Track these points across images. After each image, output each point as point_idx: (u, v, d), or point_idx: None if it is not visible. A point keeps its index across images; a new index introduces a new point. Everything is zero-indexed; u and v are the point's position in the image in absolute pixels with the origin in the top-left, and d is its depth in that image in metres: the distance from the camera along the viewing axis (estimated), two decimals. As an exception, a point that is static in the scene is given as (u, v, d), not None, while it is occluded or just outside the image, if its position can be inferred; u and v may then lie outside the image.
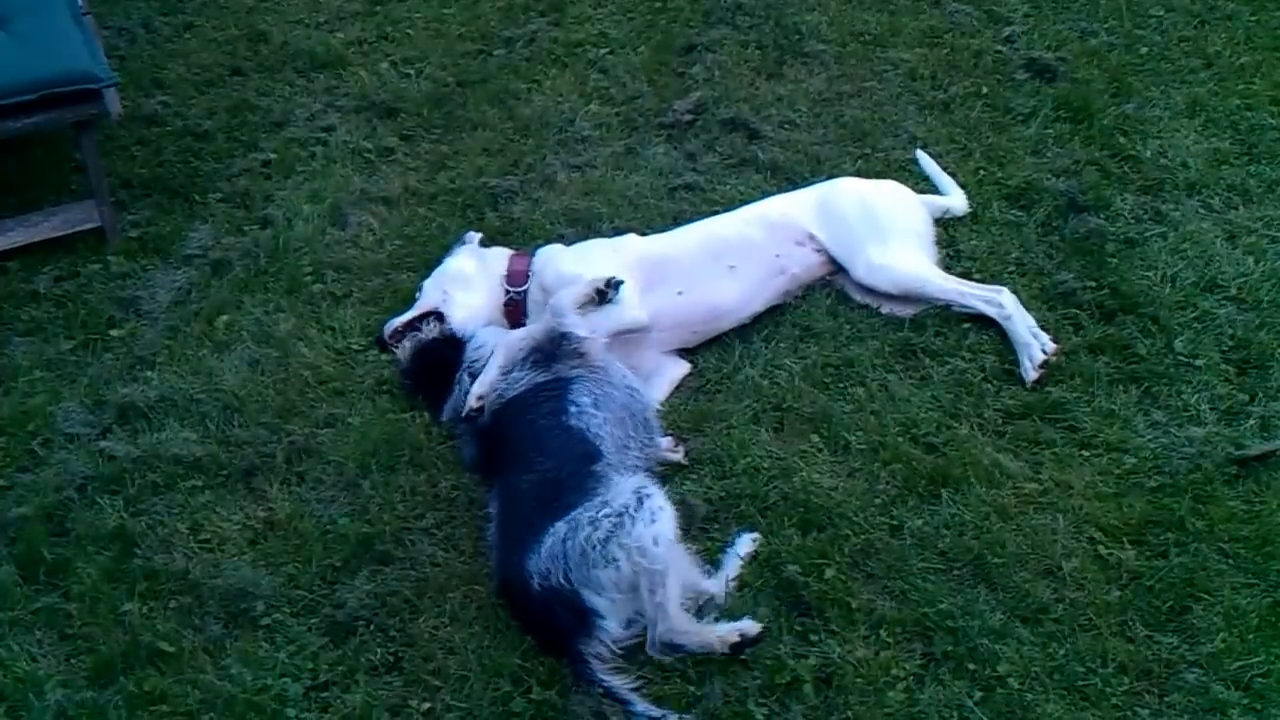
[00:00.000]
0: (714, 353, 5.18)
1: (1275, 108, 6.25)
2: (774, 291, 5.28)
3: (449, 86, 6.97)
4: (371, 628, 4.26)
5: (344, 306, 5.54)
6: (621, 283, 4.88)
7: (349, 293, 5.62)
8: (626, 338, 4.94)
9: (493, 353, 4.72)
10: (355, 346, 5.32)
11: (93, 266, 5.85)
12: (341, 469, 4.81)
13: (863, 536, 4.38)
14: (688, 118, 6.51)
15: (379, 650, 4.20)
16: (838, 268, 5.33)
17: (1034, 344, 4.94)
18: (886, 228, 5.27)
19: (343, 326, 5.41)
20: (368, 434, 4.91)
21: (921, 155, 5.95)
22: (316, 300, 5.59)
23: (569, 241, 5.46)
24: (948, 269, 5.33)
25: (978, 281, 5.24)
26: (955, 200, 5.68)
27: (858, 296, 5.31)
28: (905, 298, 5.21)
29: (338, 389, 5.14)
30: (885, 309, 5.24)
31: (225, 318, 5.53)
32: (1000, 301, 5.07)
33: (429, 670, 4.12)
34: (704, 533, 4.45)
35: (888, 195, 5.45)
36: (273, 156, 6.51)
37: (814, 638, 4.10)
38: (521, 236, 5.75)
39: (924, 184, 5.82)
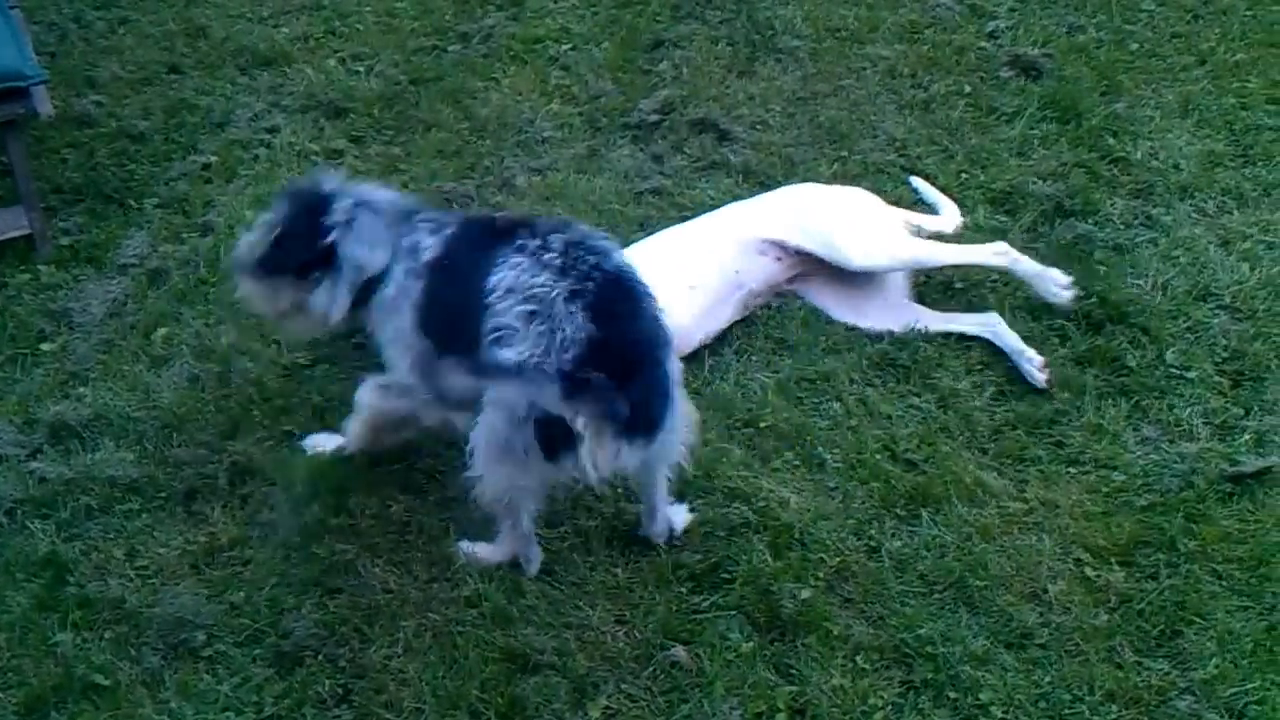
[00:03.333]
0: (684, 366, 5.21)
1: (1271, 107, 6.35)
2: (735, 308, 5.35)
3: (401, 85, 7.00)
4: (320, 658, 4.28)
5: (290, 319, 5.56)
6: None
7: (295, 304, 5.63)
8: None
9: None
10: (302, 361, 5.34)
11: (21, 276, 5.85)
12: (288, 491, 4.83)
13: (839, 559, 4.44)
14: (654, 118, 6.56)
15: (328, 682, 4.21)
16: (797, 276, 5.41)
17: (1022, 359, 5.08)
18: (851, 218, 5.38)
19: (288, 340, 5.43)
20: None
21: (916, 181, 5.99)
22: (260, 312, 5.62)
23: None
24: (929, 278, 5.42)
25: (959, 290, 5.34)
26: (947, 220, 5.72)
27: (835, 314, 5.37)
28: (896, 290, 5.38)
29: (283, 406, 5.16)
30: (865, 324, 5.30)
31: (163, 331, 5.55)
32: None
33: (381, 703, 4.14)
34: (675, 549, 4.52)
35: (850, 195, 5.57)
36: (213, 159, 6.53)
37: (789, 665, 4.15)
38: (478, 244, 5.80)
39: (898, 188, 5.92)
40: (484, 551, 4.53)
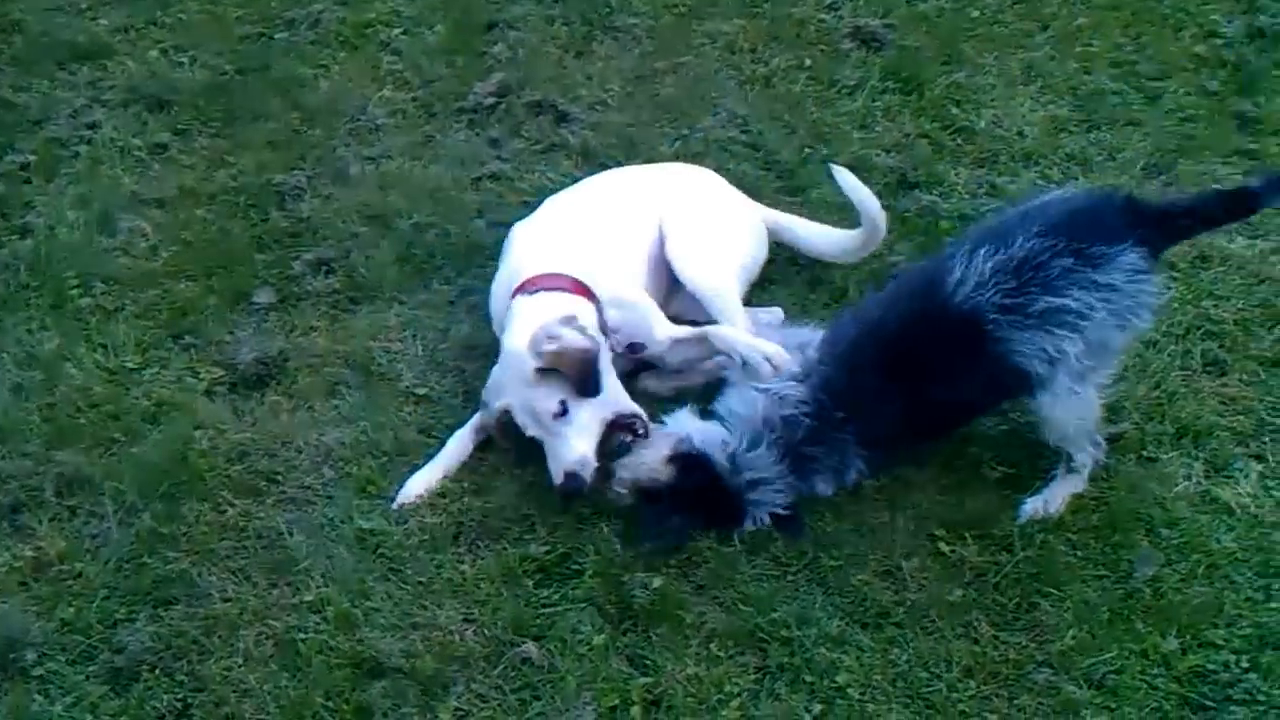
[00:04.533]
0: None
1: (1115, 70, 6.43)
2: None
3: (227, 74, 6.90)
4: (156, 673, 4.22)
5: (116, 321, 5.47)
6: None
7: (121, 306, 5.55)
8: None
9: None
10: (130, 365, 5.26)
11: None
12: (119, 500, 4.74)
13: (689, 544, 4.45)
14: (490, 101, 6.52)
15: (166, 697, 4.15)
16: None
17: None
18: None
19: (115, 344, 5.34)
20: (146, 461, 4.86)
21: (839, 172, 5.44)
22: (84, 315, 5.51)
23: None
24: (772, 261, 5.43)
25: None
26: (808, 232, 5.54)
27: None
28: None
29: (111, 412, 5.07)
30: None
31: (-18, 338, 5.44)
32: None
33: (222, 715, 4.10)
34: (520, 541, 4.52)
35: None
36: (31, 158, 6.39)
37: (643, 655, 4.16)
38: (312, 237, 5.74)
39: (739, 165, 5.94)
40: (1057, 501, 4.55)
